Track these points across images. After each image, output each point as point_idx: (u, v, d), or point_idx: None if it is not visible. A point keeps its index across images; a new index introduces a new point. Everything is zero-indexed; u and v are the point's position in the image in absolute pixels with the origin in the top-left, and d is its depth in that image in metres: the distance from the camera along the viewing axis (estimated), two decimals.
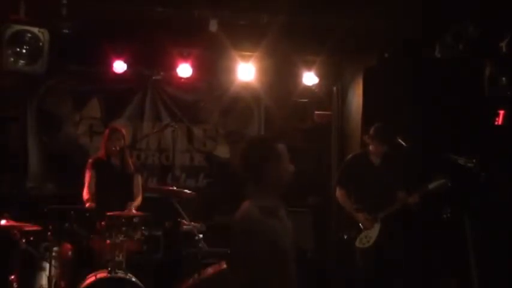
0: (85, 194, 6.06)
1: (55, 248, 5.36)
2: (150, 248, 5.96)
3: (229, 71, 7.43)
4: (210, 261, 6.18)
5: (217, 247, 6.62)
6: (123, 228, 5.47)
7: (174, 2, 6.09)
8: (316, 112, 8.21)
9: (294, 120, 8.25)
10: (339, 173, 6.40)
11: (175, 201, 5.99)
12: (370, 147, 6.16)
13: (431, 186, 5.91)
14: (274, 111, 8.13)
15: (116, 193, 5.97)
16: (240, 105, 8.16)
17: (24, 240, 5.31)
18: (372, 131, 6.12)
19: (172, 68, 7.30)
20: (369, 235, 5.98)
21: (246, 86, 7.78)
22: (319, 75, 7.56)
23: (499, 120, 6.29)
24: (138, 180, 6.40)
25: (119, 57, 7.05)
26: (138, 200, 6.26)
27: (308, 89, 7.77)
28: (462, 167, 5.77)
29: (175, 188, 6.10)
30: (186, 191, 6.06)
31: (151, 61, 7.51)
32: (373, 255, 5.97)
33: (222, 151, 8.14)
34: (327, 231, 7.87)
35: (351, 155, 6.42)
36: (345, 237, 6.12)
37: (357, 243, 6.00)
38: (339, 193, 6.21)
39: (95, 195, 6.05)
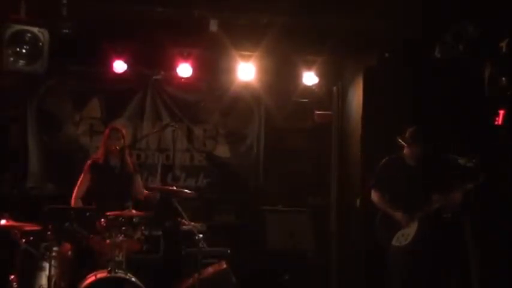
0: (73, 199, 6.08)
1: (55, 248, 5.34)
2: (150, 248, 5.96)
3: (230, 70, 7.43)
4: (210, 261, 6.20)
5: (217, 247, 6.66)
6: (123, 228, 5.47)
7: (174, 2, 6.09)
8: (316, 112, 8.21)
9: (294, 120, 8.26)
10: (374, 177, 6.27)
11: (175, 201, 5.99)
12: (405, 150, 6.10)
13: (469, 186, 5.84)
14: (274, 111, 8.13)
15: (115, 193, 5.96)
16: (240, 105, 8.17)
17: (24, 240, 5.31)
18: (407, 134, 6.08)
19: (173, 67, 7.30)
20: (407, 233, 5.92)
21: (246, 86, 7.78)
22: (319, 75, 7.56)
23: (499, 120, 6.29)
24: (139, 180, 6.42)
25: (119, 57, 7.04)
26: (143, 193, 6.33)
27: (308, 88, 7.76)
28: (462, 167, 5.77)
29: (175, 188, 6.10)
30: (186, 190, 6.06)
31: (151, 61, 7.51)
32: (410, 254, 5.91)
33: (222, 151, 8.14)
34: (326, 231, 7.88)
35: (386, 159, 6.27)
36: (380, 235, 6.07)
37: (394, 242, 5.95)
38: (374, 195, 6.15)
39: (94, 197, 6.05)
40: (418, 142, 6.03)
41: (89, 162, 6.28)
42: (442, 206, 5.92)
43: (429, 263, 5.95)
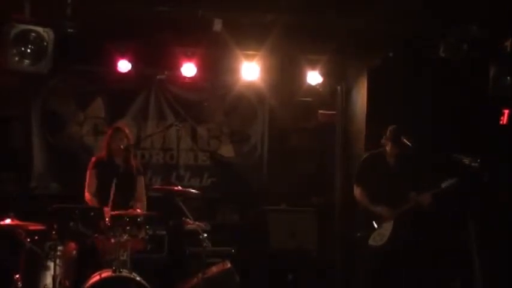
0: (86, 195, 6.07)
1: (59, 247, 5.35)
2: (154, 247, 5.98)
3: (233, 70, 7.42)
4: (214, 260, 6.21)
5: (221, 246, 6.66)
6: (128, 228, 5.47)
7: (179, 1, 6.09)
8: (320, 111, 8.21)
9: (298, 119, 8.26)
10: (357, 172, 6.39)
11: (180, 200, 6.00)
12: (386, 148, 6.17)
13: (444, 185, 5.90)
14: (278, 110, 8.14)
15: (119, 192, 5.95)
16: (244, 104, 8.17)
17: (28, 240, 5.32)
18: (388, 132, 6.15)
19: (177, 67, 7.30)
20: (382, 233, 5.99)
21: (250, 85, 7.78)
22: (323, 74, 7.55)
23: (504, 120, 6.29)
24: (141, 182, 6.39)
25: (123, 56, 7.04)
26: (143, 202, 6.26)
27: (312, 88, 7.75)
28: (467, 167, 5.77)
29: (180, 187, 6.09)
30: (191, 190, 6.07)
31: (155, 60, 7.49)
32: (385, 253, 5.98)
33: (226, 150, 8.14)
34: (330, 231, 7.88)
35: (368, 154, 6.40)
36: (358, 235, 6.13)
37: (370, 241, 6.01)
38: (356, 191, 6.23)
39: (98, 195, 6.05)
40: (395, 141, 6.07)
41: (93, 159, 6.28)
42: (414, 206, 5.98)
43: (407, 263, 5.99)
